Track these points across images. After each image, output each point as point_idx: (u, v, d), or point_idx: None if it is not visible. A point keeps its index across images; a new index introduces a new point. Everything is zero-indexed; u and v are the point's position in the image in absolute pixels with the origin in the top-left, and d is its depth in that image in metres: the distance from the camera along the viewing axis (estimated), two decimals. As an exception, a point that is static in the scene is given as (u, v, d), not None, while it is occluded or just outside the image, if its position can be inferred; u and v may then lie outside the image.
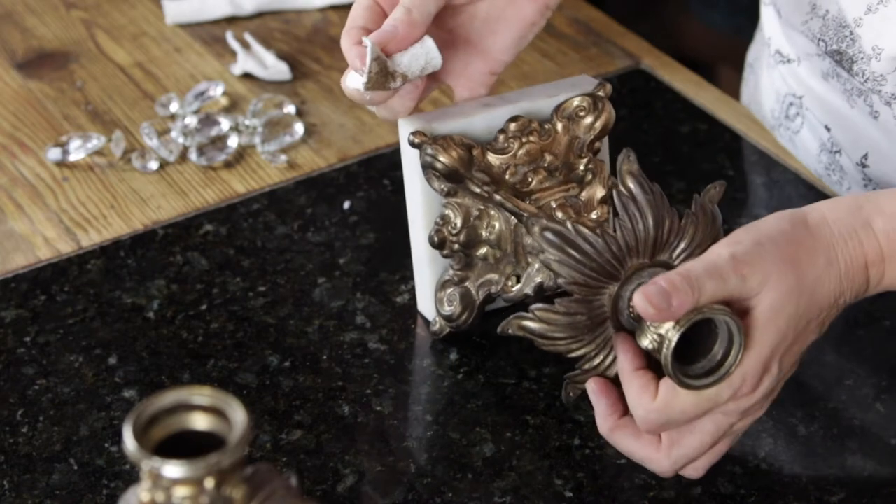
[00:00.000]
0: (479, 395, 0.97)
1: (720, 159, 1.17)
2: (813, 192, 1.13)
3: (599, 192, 1.00)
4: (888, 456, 0.94)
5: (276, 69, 1.26)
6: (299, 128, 1.20)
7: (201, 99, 1.23)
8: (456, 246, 0.98)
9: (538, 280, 0.97)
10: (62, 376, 0.99)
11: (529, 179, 0.98)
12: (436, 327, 1.01)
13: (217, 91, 1.24)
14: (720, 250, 0.85)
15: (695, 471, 0.88)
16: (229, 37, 1.30)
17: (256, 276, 1.06)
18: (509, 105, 0.99)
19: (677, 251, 0.89)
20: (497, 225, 0.98)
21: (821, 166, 1.15)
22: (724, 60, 2.18)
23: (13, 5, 1.35)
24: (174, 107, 1.22)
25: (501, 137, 0.98)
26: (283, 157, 1.18)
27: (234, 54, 1.29)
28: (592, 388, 0.89)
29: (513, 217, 0.97)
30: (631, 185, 0.88)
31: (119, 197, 1.14)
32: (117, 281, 1.06)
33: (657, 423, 0.85)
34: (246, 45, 1.30)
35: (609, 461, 0.93)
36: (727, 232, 0.87)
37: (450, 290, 1.00)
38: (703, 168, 1.16)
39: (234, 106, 1.24)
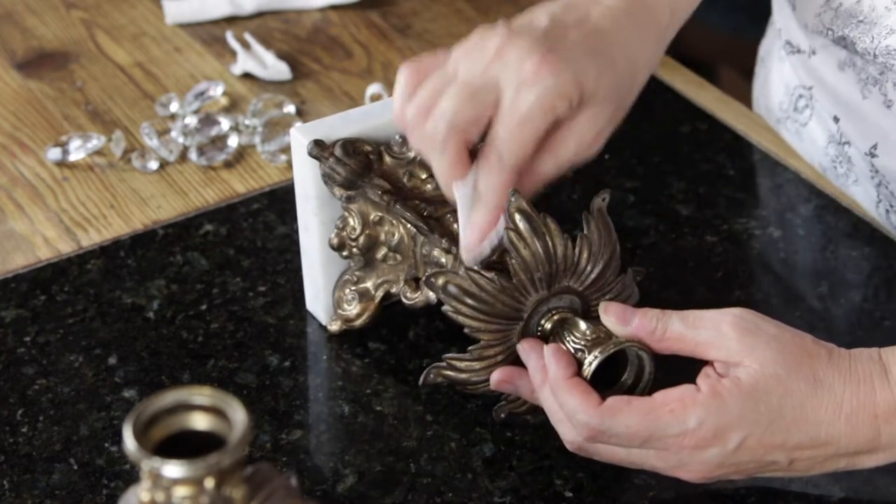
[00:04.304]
0: (479, 394, 0.97)
1: (720, 159, 1.17)
2: (814, 193, 1.13)
3: None
4: (888, 456, 0.93)
5: (276, 69, 1.26)
6: (299, 128, 1.20)
7: (201, 99, 1.23)
8: (355, 249, 0.97)
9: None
10: (62, 376, 0.99)
11: (428, 186, 0.97)
12: (333, 327, 1.01)
13: (217, 91, 1.24)
14: (723, 316, 0.85)
15: (587, 454, 0.88)
16: (229, 37, 1.30)
17: (256, 276, 1.06)
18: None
19: (581, 274, 0.90)
20: (396, 233, 0.96)
21: (827, 159, 1.15)
22: (724, 60, 2.18)
23: (13, 5, 1.35)
24: (174, 107, 1.22)
25: (400, 141, 0.96)
26: (283, 157, 1.18)
27: (234, 54, 1.29)
28: (524, 347, 0.89)
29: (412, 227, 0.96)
30: (518, 221, 0.88)
31: (119, 197, 1.14)
32: (117, 281, 1.06)
33: (597, 429, 0.84)
34: (246, 45, 1.29)
35: (609, 461, 0.93)
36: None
37: (349, 290, 0.99)
38: (703, 168, 1.16)
39: (234, 106, 1.24)
